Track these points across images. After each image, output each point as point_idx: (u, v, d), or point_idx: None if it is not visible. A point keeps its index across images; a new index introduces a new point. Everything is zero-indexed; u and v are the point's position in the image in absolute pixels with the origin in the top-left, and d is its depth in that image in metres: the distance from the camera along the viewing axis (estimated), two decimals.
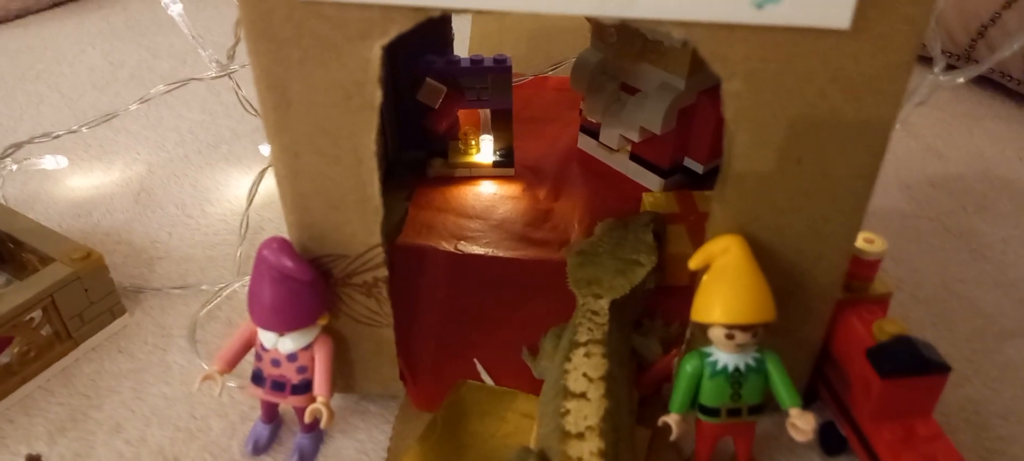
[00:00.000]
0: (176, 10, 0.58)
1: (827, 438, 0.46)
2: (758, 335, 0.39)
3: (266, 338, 0.42)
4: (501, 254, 0.59)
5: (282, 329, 0.42)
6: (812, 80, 0.34)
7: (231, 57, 0.59)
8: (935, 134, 0.80)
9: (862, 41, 0.33)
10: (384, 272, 0.43)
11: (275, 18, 0.34)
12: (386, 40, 0.34)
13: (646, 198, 0.60)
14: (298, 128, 0.37)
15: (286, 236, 0.41)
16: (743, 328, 0.38)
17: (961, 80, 0.47)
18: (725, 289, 0.38)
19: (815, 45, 0.33)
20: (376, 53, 0.35)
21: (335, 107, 0.36)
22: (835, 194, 0.38)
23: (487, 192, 0.67)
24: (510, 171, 0.68)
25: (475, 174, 0.69)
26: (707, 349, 0.41)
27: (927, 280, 0.59)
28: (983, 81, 0.89)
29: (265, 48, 0.35)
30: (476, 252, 0.59)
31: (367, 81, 0.36)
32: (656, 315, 0.52)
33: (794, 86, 0.35)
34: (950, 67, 0.50)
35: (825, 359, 0.46)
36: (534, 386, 0.48)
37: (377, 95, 0.36)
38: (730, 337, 0.38)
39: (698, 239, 0.55)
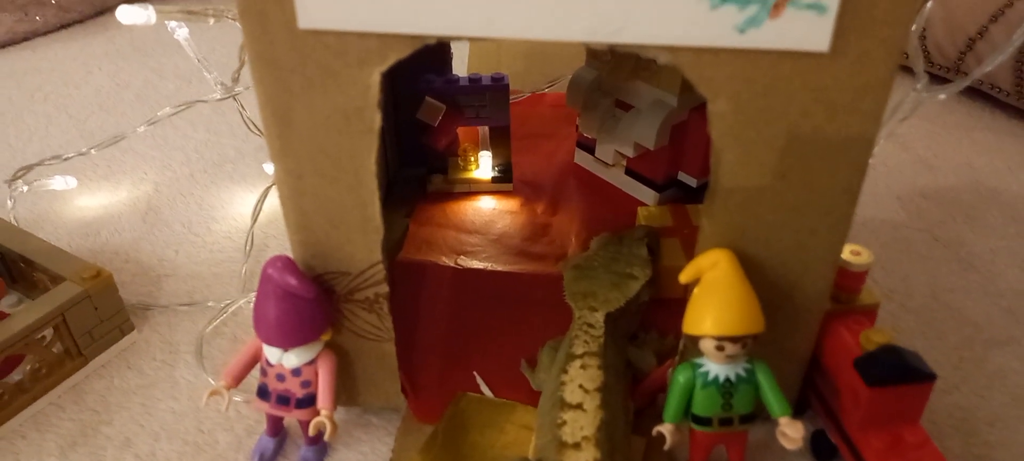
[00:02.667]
0: (182, 34, 0.59)
1: (818, 446, 0.47)
2: (747, 346, 0.40)
3: (271, 353, 0.44)
4: (500, 268, 0.60)
5: (287, 345, 0.43)
6: (794, 100, 0.36)
7: (236, 80, 0.60)
8: (925, 146, 0.81)
9: (841, 62, 0.34)
10: (385, 288, 0.44)
11: (278, 47, 0.36)
12: (385, 66, 0.36)
13: (641, 212, 0.61)
14: (301, 151, 0.39)
15: (290, 254, 0.43)
16: (732, 340, 0.39)
17: (943, 96, 0.48)
18: (714, 302, 0.40)
19: (796, 67, 0.35)
20: (375, 79, 0.36)
21: (336, 131, 0.38)
22: (820, 208, 0.39)
23: (486, 207, 0.68)
24: (508, 186, 0.70)
25: (474, 190, 0.70)
26: (699, 360, 0.42)
27: (917, 290, 0.60)
28: (973, 93, 0.90)
29: (269, 75, 0.37)
30: (475, 266, 0.60)
31: (367, 106, 0.37)
32: (651, 327, 0.53)
33: (777, 106, 0.36)
34: (940, 79, 0.51)
35: (815, 369, 0.47)
36: (532, 398, 0.49)
37: (376, 119, 0.37)
38: (720, 349, 0.40)
39: (692, 252, 0.56)
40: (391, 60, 0.36)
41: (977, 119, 0.87)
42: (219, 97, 0.60)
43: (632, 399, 0.47)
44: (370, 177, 0.39)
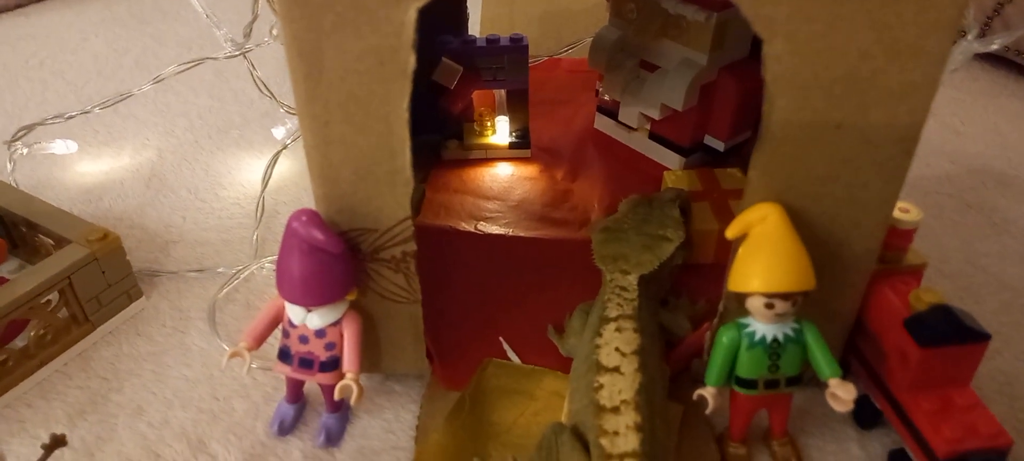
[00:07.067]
0: None
1: (862, 412, 0.45)
2: (797, 304, 0.38)
3: (294, 314, 0.42)
4: (522, 234, 0.58)
5: (311, 303, 0.41)
6: (855, 40, 0.34)
7: (248, 35, 0.58)
8: (952, 112, 0.79)
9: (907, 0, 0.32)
10: (413, 246, 0.42)
11: None
12: (422, 2, 0.33)
13: (667, 176, 0.59)
14: (330, 97, 0.37)
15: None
16: (783, 297, 0.37)
17: (995, 45, 0.47)
18: (764, 258, 0.38)
19: (860, 4, 0.33)
20: (411, 17, 0.34)
21: (368, 74, 0.36)
22: (875, 160, 0.37)
23: (504, 173, 0.66)
24: (526, 152, 0.67)
25: (491, 156, 0.68)
26: (744, 320, 0.40)
27: (952, 255, 0.59)
28: (997, 61, 0.89)
29: (298, 13, 0.34)
30: (496, 232, 0.58)
31: (401, 47, 0.35)
32: (681, 293, 0.52)
33: (837, 47, 0.34)
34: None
35: (858, 331, 0.45)
36: (559, 364, 0.48)
37: (410, 61, 0.35)
38: (770, 307, 0.38)
39: (723, 216, 0.54)
40: None
41: (1002, 86, 0.85)
42: (229, 54, 0.57)
43: (667, 364, 0.45)
44: (401, 125, 0.37)
